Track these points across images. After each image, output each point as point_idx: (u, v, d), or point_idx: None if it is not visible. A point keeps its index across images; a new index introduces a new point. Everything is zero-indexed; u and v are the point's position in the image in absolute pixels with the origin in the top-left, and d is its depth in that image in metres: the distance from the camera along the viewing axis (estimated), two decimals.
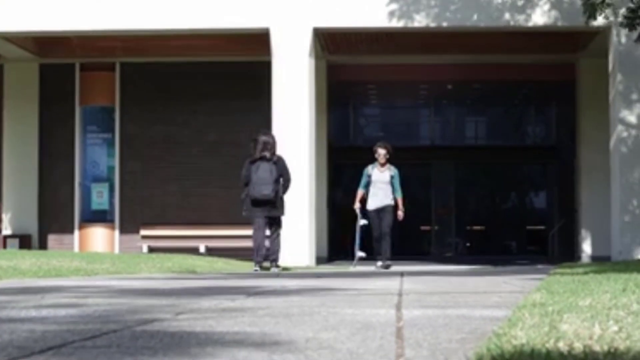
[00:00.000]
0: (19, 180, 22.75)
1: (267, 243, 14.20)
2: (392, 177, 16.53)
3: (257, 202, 14.11)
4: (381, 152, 16.52)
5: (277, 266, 14.16)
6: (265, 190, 14.06)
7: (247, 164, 14.28)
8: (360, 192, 16.69)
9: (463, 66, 23.70)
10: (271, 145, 14.37)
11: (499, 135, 27.65)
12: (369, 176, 16.57)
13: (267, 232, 14.31)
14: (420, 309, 4.38)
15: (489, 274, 11.27)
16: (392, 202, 16.44)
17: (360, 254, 17.36)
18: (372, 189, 16.50)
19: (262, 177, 14.09)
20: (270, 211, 14.16)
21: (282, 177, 14.42)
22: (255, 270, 13.58)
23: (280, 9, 19.32)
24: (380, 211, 16.40)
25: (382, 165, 16.58)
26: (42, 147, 22.81)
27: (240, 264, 16.63)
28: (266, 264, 14.19)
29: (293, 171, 19.19)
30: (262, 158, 14.13)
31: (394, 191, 16.52)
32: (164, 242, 22.27)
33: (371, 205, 16.49)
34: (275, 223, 14.34)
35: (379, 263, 16.45)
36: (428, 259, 24.20)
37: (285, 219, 15.93)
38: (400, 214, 16.49)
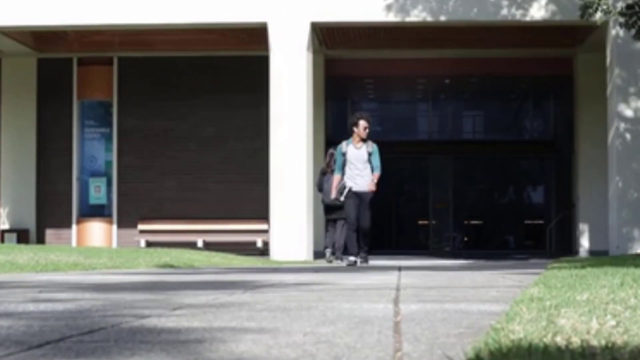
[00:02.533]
0: (17, 175, 22.74)
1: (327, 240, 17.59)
2: (370, 155, 14.20)
3: (328, 208, 17.12)
4: (363, 123, 14.12)
5: (340, 258, 16.61)
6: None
7: (320, 174, 17.75)
8: (337, 178, 14.35)
9: (460, 60, 23.70)
10: None
11: (496, 130, 27.65)
12: (344, 154, 14.25)
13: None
14: (418, 304, 4.38)
15: (486, 268, 11.28)
16: (371, 187, 14.19)
17: (352, 258, 14.44)
18: (347, 171, 14.18)
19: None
20: (339, 214, 16.48)
21: None
22: (329, 261, 16.84)
23: (278, 3, 19.31)
24: (358, 196, 14.07)
25: (361, 140, 14.21)
26: (39, 141, 22.80)
27: (237, 258, 16.63)
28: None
29: (290, 166, 19.23)
30: (333, 171, 16.12)
31: (372, 170, 14.21)
32: (162, 237, 22.27)
33: (348, 184, 14.29)
34: (341, 223, 16.91)
35: (351, 258, 14.06)
36: (426, 253, 24.22)
37: (282, 214, 16.24)
38: (372, 186, 14.08)
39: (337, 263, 15.85)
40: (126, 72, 22.94)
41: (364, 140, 14.25)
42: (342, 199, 14.12)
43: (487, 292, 5.48)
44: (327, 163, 17.25)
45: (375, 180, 14.21)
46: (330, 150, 17.04)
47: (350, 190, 14.10)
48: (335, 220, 17.02)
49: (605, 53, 19.37)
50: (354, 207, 14.09)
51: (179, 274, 9.28)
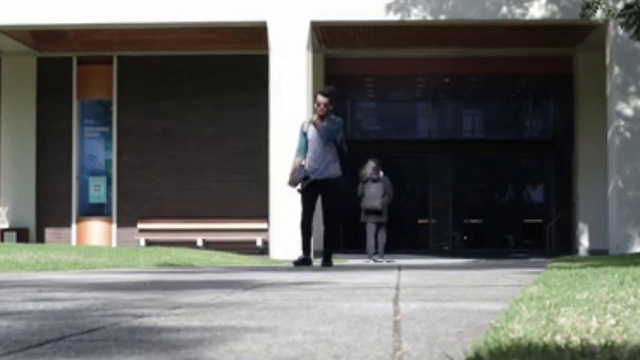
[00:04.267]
0: (17, 174, 22.74)
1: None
2: (330, 132, 12.31)
3: (368, 212, 18.73)
4: (321, 100, 12.28)
5: (382, 257, 18.23)
6: (374, 202, 18.68)
7: (361, 183, 18.93)
8: (295, 161, 12.55)
9: (460, 60, 23.71)
10: (378, 168, 18.88)
11: (496, 129, 27.65)
12: (305, 134, 12.50)
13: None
14: (417, 303, 4.38)
15: (486, 267, 11.28)
16: (338, 173, 12.42)
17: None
18: (308, 153, 12.43)
19: (372, 193, 18.75)
20: (377, 218, 18.62)
21: (386, 192, 18.78)
22: (369, 262, 17.84)
23: (277, 2, 19.32)
24: (319, 185, 12.28)
25: (321, 117, 12.34)
26: (39, 140, 22.81)
27: (237, 257, 16.63)
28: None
29: (290, 165, 19.23)
30: (373, 179, 18.67)
31: (338, 151, 12.52)
32: (161, 236, 22.28)
33: (308, 172, 12.44)
34: (381, 226, 18.76)
35: (300, 256, 12.46)
36: (425, 252, 24.22)
37: (282, 213, 16.32)
38: (336, 170, 12.43)
39: (376, 262, 17.19)
40: (126, 71, 22.94)
41: (323, 118, 12.30)
42: (299, 187, 12.36)
43: (487, 291, 5.48)
44: (368, 172, 18.86)
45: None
46: (370, 162, 18.86)
47: (308, 179, 12.22)
48: (375, 225, 18.78)
49: (605, 52, 19.37)
50: (309, 200, 12.35)
51: (178, 273, 9.28)
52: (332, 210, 12.48)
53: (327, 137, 12.25)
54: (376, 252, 18.75)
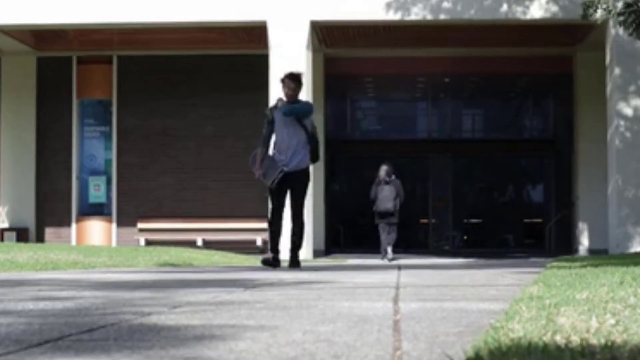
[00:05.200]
0: (17, 174, 22.74)
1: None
2: (298, 109, 11.27)
3: (381, 214, 19.41)
4: (291, 84, 11.33)
5: (390, 256, 18.98)
6: (387, 204, 19.32)
7: (374, 186, 19.54)
8: (262, 152, 11.41)
9: (460, 59, 23.71)
10: (391, 172, 19.54)
11: (496, 129, 27.64)
12: (271, 122, 11.36)
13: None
14: (417, 302, 4.38)
15: (486, 267, 11.28)
16: (307, 163, 11.35)
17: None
18: (277, 141, 11.34)
19: (385, 196, 19.35)
20: (390, 219, 19.39)
21: (398, 194, 19.45)
22: (383, 259, 18.90)
23: (277, 2, 19.32)
24: (289, 177, 11.14)
25: (288, 103, 11.36)
26: (39, 140, 22.81)
27: (237, 257, 16.63)
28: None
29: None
30: (385, 182, 19.33)
31: (308, 140, 11.33)
32: (161, 235, 22.28)
33: (279, 165, 11.26)
34: (392, 227, 19.48)
35: (269, 256, 11.32)
36: (425, 252, 24.22)
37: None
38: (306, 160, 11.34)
39: (388, 262, 17.43)
40: (126, 70, 22.94)
41: (292, 103, 11.31)
42: (270, 183, 11.10)
43: (487, 290, 5.48)
44: (378, 176, 19.49)
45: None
46: (383, 166, 19.49)
47: (281, 172, 11.08)
48: (387, 225, 19.47)
49: (605, 52, 19.37)
50: (279, 195, 11.23)
51: (178, 272, 9.28)
52: (303, 205, 11.37)
53: (290, 112, 11.12)
54: (385, 250, 19.47)
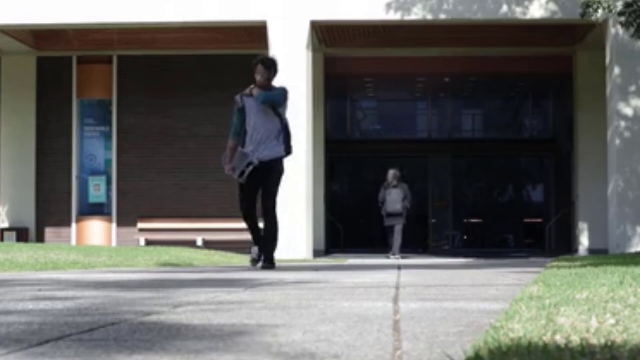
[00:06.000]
0: (17, 173, 22.74)
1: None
2: (271, 96, 10.54)
3: (390, 215, 20.23)
4: (262, 71, 10.51)
5: (397, 255, 19.79)
6: (396, 206, 20.10)
7: (382, 188, 20.35)
8: (231, 144, 10.79)
9: (460, 59, 23.71)
10: (399, 176, 20.31)
11: (496, 128, 27.66)
12: (241, 110, 10.68)
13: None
14: (417, 302, 4.38)
15: (485, 266, 11.28)
16: (281, 153, 10.61)
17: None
18: (248, 129, 10.61)
19: (393, 198, 20.18)
20: (397, 220, 20.22)
21: (405, 197, 20.26)
22: (390, 257, 19.53)
23: (277, 1, 19.31)
24: (260, 168, 10.43)
25: (261, 88, 10.55)
26: (39, 140, 22.80)
27: (237, 256, 16.63)
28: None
29: (290, 164, 19.27)
30: (393, 185, 20.17)
31: (281, 126, 10.59)
32: (161, 235, 22.27)
33: (249, 157, 10.52)
34: (399, 231, 20.22)
35: (254, 254, 10.79)
36: (425, 251, 24.23)
37: (282, 212, 16.29)
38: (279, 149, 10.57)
39: (401, 260, 17.82)
40: (125, 70, 22.94)
41: (263, 90, 10.54)
42: (242, 179, 10.42)
43: (487, 290, 5.49)
44: (386, 179, 20.30)
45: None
46: (391, 170, 20.28)
47: (251, 165, 10.36)
48: (393, 226, 20.33)
49: (604, 51, 19.37)
50: (251, 188, 10.56)
51: (178, 272, 9.28)
52: (274, 198, 10.54)
53: (263, 99, 10.35)
54: (392, 250, 20.20)
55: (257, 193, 10.64)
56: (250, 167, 10.29)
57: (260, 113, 10.47)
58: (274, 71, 10.57)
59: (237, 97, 10.72)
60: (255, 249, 10.78)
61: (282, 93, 10.62)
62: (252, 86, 10.60)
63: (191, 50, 22.63)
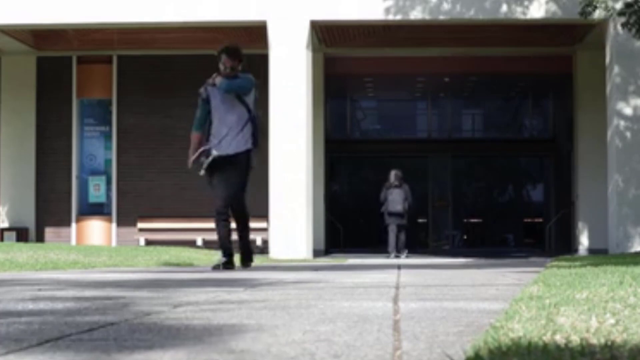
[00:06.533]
0: (16, 173, 22.74)
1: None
2: (235, 84, 9.94)
3: (391, 215, 20.53)
4: (227, 60, 9.94)
5: (403, 253, 20.30)
6: (397, 206, 20.37)
7: (385, 189, 20.53)
8: (195, 137, 10.13)
9: (460, 59, 23.71)
10: (400, 176, 20.49)
11: (495, 128, 27.67)
12: (206, 101, 10.19)
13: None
14: (417, 302, 4.38)
15: (485, 266, 11.28)
16: (247, 146, 9.98)
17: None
18: (214, 121, 10.05)
19: (395, 199, 20.41)
20: (399, 220, 20.58)
21: (407, 198, 20.52)
22: (390, 257, 19.85)
23: (277, 1, 19.31)
24: (225, 161, 9.88)
25: (228, 77, 10.00)
26: (39, 140, 22.80)
27: (237, 256, 16.60)
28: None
29: (289, 164, 19.25)
30: (394, 185, 20.41)
31: (249, 116, 9.97)
32: (161, 235, 22.27)
33: (214, 150, 9.93)
34: (402, 227, 20.67)
35: (221, 258, 9.91)
36: (425, 251, 24.22)
37: (282, 212, 16.25)
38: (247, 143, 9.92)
39: (397, 257, 18.05)
40: (125, 70, 22.94)
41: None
42: (202, 172, 9.86)
43: (487, 290, 5.48)
44: (388, 180, 20.55)
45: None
46: (393, 171, 20.49)
47: (210, 157, 9.82)
48: (395, 226, 20.62)
49: (604, 51, 19.37)
50: (219, 184, 9.91)
51: (178, 272, 9.28)
52: (242, 196, 9.92)
53: (230, 88, 9.84)
54: (397, 250, 20.58)
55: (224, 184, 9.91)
56: (210, 159, 9.72)
57: (225, 103, 9.94)
58: (239, 60, 9.95)
59: (202, 89, 10.21)
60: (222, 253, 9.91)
61: (248, 81, 10.01)
62: (215, 75, 10.06)
63: (191, 50, 22.62)
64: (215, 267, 9.83)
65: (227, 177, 9.77)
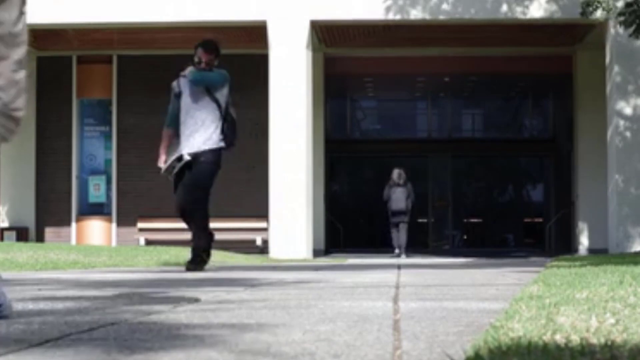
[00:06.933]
0: (17, 173, 22.73)
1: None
2: (206, 78, 9.63)
3: (394, 213, 20.73)
4: (203, 55, 9.70)
5: (404, 254, 20.28)
6: (400, 205, 20.63)
7: (387, 187, 20.79)
8: (166, 134, 9.90)
9: (460, 59, 23.71)
10: (403, 175, 20.77)
11: (496, 128, 27.67)
12: (178, 96, 9.92)
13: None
14: (417, 302, 4.38)
15: (486, 266, 11.28)
16: (216, 144, 9.62)
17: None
18: (182, 117, 9.75)
19: (398, 197, 20.69)
20: (402, 218, 20.76)
21: (409, 196, 20.80)
22: (394, 254, 20.43)
23: (277, 1, 19.31)
24: (194, 161, 9.54)
25: (203, 71, 9.69)
26: (39, 139, 22.80)
27: (237, 256, 16.63)
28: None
29: (289, 164, 19.24)
30: (398, 184, 20.66)
31: (219, 114, 9.56)
32: (161, 235, 22.26)
33: (180, 150, 9.60)
34: (404, 229, 20.79)
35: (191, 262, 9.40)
36: (425, 251, 24.22)
37: (282, 212, 16.24)
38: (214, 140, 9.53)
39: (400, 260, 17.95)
40: (125, 70, 22.93)
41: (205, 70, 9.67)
42: (170, 175, 9.59)
43: (487, 290, 5.49)
44: (394, 178, 20.77)
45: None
46: (395, 170, 20.75)
47: (182, 162, 9.47)
48: (398, 224, 20.85)
49: (604, 51, 19.37)
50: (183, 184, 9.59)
51: (178, 272, 9.27)
52: (198, 190, 9.51)
53: (199, 80, 9.51)
54: (398, 246, 20.90)
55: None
56: (181, 163, 9.35)
57: (194, 98, 9.56)
58: (216, 55, 9.63)
59: (174, 82, 9.91)
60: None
61: (220, 76, 9.59)
62: (189, 68, 9.74)
63: (191, 50, 22.56)
64: (189, 269, 9.36)
65: (192, 176, 9.40)
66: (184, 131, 9.48)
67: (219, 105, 9.52)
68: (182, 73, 9.77)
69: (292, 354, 2.48)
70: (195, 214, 9.46)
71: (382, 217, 20.83)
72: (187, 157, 9.34)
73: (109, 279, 7.35)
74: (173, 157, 9.39)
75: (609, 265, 8.15)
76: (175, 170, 9.39)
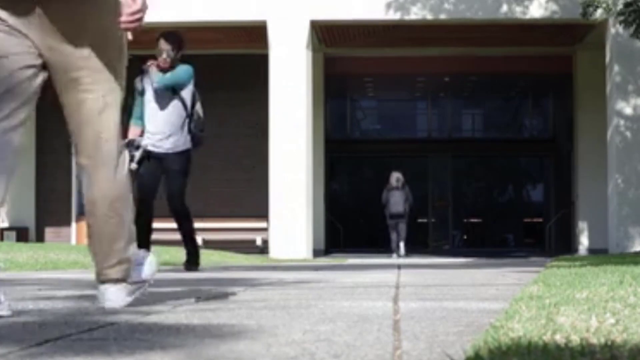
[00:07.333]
0: (16, 173, 22.71)
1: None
2: (172, 79, 9.38)
3: (392, 216, 21.02)
4: (164, 47, 9.45)
5: (402, 254, 20.53)
6: (398, 208, 20.87)
7: (386, 191, 21.06)
8: (132, 131, 9.40)
9: (460, 59, 23.71)
10: (401, 179, 20.95)
11: (496, 128, 27.67)
12: (142, 92, 9.61)
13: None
14: (417, 302, 4.38)
15: (486, 266, 11.28)
16: (185, 145, 9.50)
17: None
18: (146, 116, 9.39)
19: (396, 201, 20.90)
20: (400, 221, 21.02)
21: (407, 199, 21.05)
22: (392, 256, 20.34)
23: (277, 1, 19.32)
24: (159, 161, 9.38)
25: (161, 72, 9.49)
26: (39, 139, 22.79)
27: (237, 256, 16.63)
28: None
29: (290, 164, 19.25)
30: (396, 188, 20.88)
31: (185, 113, 9.36)
32: (161, 235, 22.20)
33: (145, 141, 9.33)
34: (403, 228, 21.14)
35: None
36: (425, 251, 24.22)
37: (282, 212, 16.23)
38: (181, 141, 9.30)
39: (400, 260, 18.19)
40: (125, 70, 22.92)
41: (165, 71, 9.47)
42: (133, 165, 8.86)
43: (487, 290, 5.48)
44: (393, 182, 21.03)
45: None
46: (394, 173, 20.98)
47: (144, 151, 9.17)
48: (397, 224, 21.13)
49: (604, 51, 19.37)
50: (148, 178, 9.30)
51: (178, 272, 9.27)
52: (178, 194, 9.66)
53: (159, 81, 9.24)
54: (397, 244, 21.15)
55: (155, 186, 9.46)
56: (140, 150, 9.03)
57: (159, 96, 9.30)
58: (177, 47, 9.39)
59: (137, 79, 9.55)
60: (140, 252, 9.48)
61: (184, 72, 9.40)
62: (150, 62, 9.43)
63: (191, 50, 22.53)
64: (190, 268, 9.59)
65: (167, 178, 9.29)
66: (150, 131, 9.21)
67: (184, 105, 9.36)
68: (145, 67, 9.49)
69: (292, 354, 2.47)
70: (183, 211, 10.01)
71: (382, 218, 20.85)
72: (143, 144, 9.10)
73: None
74: (133, 148, 9.04)
75: (609, 265, 8.15)
76: (137, 159, 9.04)
